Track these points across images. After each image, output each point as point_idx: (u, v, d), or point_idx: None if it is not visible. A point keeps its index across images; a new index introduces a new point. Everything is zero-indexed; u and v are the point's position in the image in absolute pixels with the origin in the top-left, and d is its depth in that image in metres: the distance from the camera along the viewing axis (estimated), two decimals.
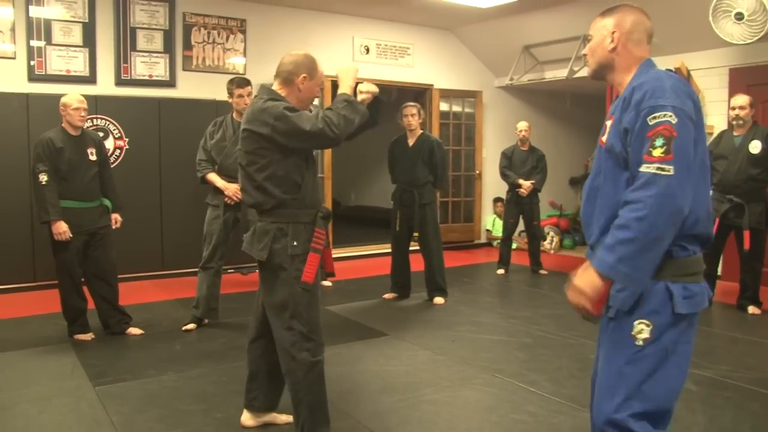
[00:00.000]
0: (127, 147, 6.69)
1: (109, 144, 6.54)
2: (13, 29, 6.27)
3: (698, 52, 6.78)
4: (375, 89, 2.96)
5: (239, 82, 4.92)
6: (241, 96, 4.85)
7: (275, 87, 2.87)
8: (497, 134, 9.32)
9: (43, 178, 4.35)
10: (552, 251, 8.92)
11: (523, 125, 7.23)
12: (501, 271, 7.31)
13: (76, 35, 6.57)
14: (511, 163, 7.22)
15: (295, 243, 2.75)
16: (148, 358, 4.25)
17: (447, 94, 9.03)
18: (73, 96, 4.54)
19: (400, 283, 5.99)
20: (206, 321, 4.99)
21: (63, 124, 4.54)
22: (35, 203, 4.53)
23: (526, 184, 7.03)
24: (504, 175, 7.25)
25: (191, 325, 4.91)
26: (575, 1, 7.24)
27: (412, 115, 5.76)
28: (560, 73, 8.11)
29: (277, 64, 4.34)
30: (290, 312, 2.78)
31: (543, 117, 9.84)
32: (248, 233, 2.90)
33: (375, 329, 4.96)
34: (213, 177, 4.92)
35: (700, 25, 6.08)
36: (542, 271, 7.30)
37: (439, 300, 5.80)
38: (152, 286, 6.53)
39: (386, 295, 6.01)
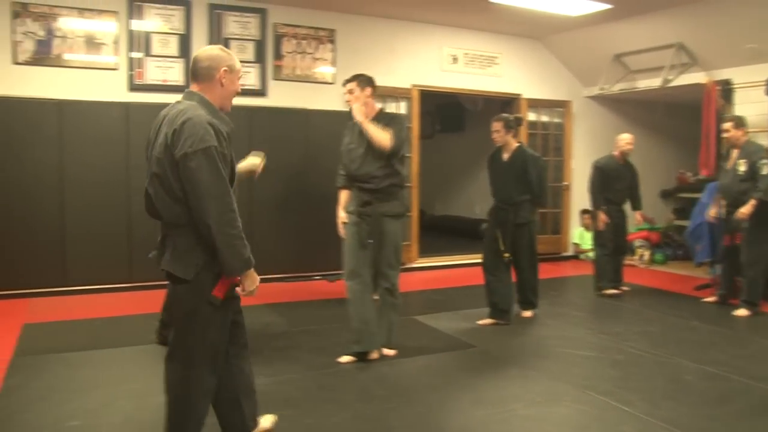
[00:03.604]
0: None
1: None
2: (116, 42, 6.56)
3: None
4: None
5: (348, 79, 4.45)
6: (350, 92, 4.36)
7: (195, 89, 2.62)
8: (586, 145, 9.12)
9: None
10: (643, 266, 8.64)
11: (627, 137, 6.67)
12: (613, 291, 6.69)
13: (173, 46, 6.81)
14: (607, 179, 6.66)
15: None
16: None
17: (535, 104, 8.90)
18: None
19: (500, 306, 5.45)
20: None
21: None
22: None
23: (640, 217, 6.85)
24: (594, 196, 6.66)
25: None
26: (669, 8, 7.03)
27: (495, 131, 5.41)
28: (654, 82, 7.88)
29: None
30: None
31: (633, 127, 9.49)
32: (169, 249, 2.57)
33: (462, 341, 4.91)
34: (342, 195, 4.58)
35: None
36: (623, 288, 6.88)
37: (527, 313, 5.68)
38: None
39: (481, 321, 5.47)
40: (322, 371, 4.12)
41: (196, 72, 2.62)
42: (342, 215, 4.49)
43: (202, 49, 2.72)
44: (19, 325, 5.15)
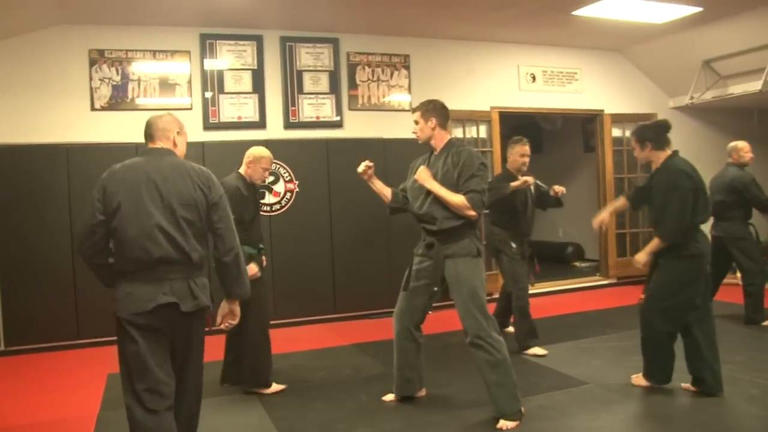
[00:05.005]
0: (297, 190, 6.69)
1: (280, 188, 6.59)
2: (189, 82, 6.49)
3: None
4: None
5: (415, 107, 4.01)
6: (416, 123, 3.96)
7: (161, 146, 2.93)
8: None
9: None
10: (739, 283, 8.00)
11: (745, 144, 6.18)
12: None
13: (246, 82, 6.70)
14: None
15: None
16: (336, 410, 4.03)
17: (619, 119, 8.44)
18: (266, 153, 4.47)
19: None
20: None
21: (243, 173, 4.45)
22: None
23: None
24: None
25: None
26: (764, 6, 6.53)
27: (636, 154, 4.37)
28: (752, 86, 7.34)
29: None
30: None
31: (725, 137, 8.92)
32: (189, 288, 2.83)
33: (573, 377, 4.48)
34: None
35: None
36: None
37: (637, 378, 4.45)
38: (326, 329, 6.41)
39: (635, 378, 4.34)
40: (426, 420, 3.78)
41: (154, 134, 2.93)
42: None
43: (153, 115, 3.00)
44: (105, 374, 5.01)
